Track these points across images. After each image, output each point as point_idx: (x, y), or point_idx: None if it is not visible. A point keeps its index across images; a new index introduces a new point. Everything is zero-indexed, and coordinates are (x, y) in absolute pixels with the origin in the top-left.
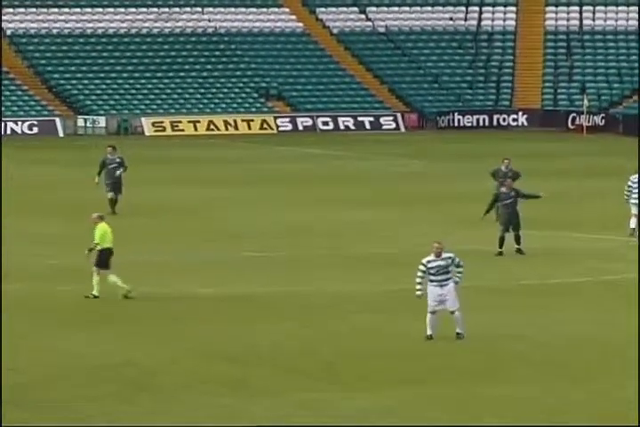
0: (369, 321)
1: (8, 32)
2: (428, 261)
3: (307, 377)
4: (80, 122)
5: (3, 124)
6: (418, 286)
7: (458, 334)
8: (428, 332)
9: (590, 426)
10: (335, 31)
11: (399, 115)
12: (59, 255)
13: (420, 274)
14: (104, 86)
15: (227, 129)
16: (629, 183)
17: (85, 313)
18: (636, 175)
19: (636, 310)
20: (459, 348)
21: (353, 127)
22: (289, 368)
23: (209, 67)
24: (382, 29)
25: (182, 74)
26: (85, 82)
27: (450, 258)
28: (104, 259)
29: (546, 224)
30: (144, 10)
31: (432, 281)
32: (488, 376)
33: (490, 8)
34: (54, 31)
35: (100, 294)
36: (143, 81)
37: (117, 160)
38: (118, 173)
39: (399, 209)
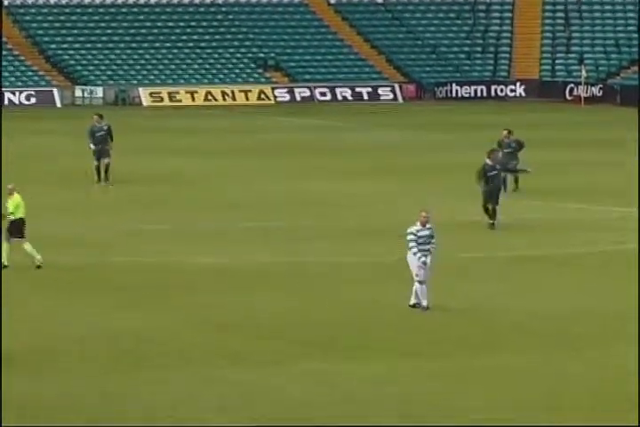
0: (367, 292)
1: (5, 2)
2: (417, 230)
3: (305, 347)
4: (78, 92)
5: (0, 94)
6: (418, 254)
7: (424, 306)
8: (422, 302)
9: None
10: (333, 1)
11: (397, 85)
12: (57, 224)
13: (413, 244)
14: (102, 57)
15: (224, 99)
16: None
17: (84, 282)
18: None
19: (632, 279)
20: (456, 318)
21: (350, 98)
22: (287, 339)
23: (207, 37)
24: (380, 0)
25: (180, 44)
26: (83, 52)
27: (432, 228)
28: (18, 228)
29: (543, 195)
30: None
31: (420, 250)
32: (485, 347)
33: None
34: (52, 1)
35: (8, 263)
36: (141, 51)
37: (105, 128)
38: (110, 145)
39: (397, 180)
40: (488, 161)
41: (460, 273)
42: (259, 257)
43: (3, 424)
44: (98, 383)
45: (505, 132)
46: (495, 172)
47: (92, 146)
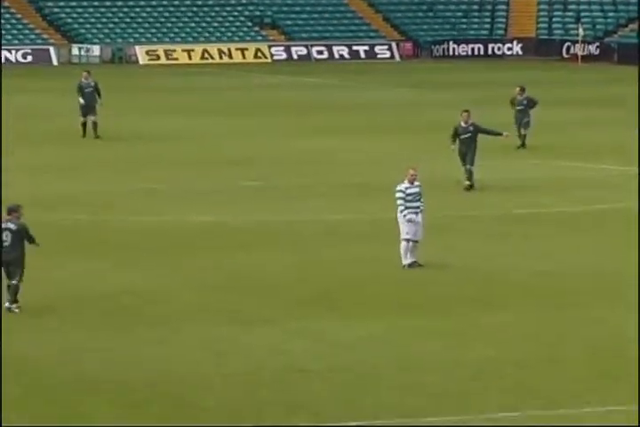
0: (364, 250)
1: None
2: (406, 188)
3: (303, 306)
4: (74, 50)
5: None
6: (406, 211)
7: (417, 263)
8: (408, 261)
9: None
10: None
11: (394, 44)
12: (54, 183)
13: (401, 202)
14: (98, 15)
15: (221, 58)
16: None
17: (80, 242)
18: None
19: (630, 238)
20: (453, 276)
21: (347, 56)
22: (284, 297)
23: None
24: None
25: (176, 2)
26: (80, 10)
27: (420, 186)
28: None
29: (540, 153)
30: None
31: (408, 208)
32: (484, 305)
33: None
34: None
35: None
36: (137, 9)
37: (92, 84)
38: (98, 102)
39: (394, 138)
40: (462, 123)
41: (456, 231)
42: (255, 215)
43: (3, 424)
44: (97, 342)
45: (517, 90)
46: (468, 134)
47: (81, 100)
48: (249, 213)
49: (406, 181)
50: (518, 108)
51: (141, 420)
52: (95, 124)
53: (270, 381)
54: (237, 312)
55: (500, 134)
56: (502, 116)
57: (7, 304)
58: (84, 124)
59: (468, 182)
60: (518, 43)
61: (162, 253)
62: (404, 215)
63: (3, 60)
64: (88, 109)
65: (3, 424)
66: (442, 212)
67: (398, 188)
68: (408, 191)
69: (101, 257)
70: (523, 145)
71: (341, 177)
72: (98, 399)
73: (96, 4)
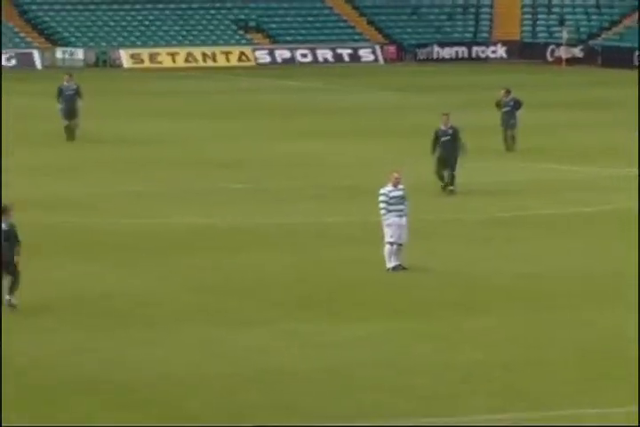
0: (352, 252)
1: None
2: (389, 191)
3: (291, 308)
4: (58, 54)
5: None
6: (388, 215)
7: (401, 266)
8: (392, 264)
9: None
10: None
11: (378, 47)
12: (43, 186)
13: (383, 205)
14: (82, 18)
15: (205, 61)
16: None
17: (74, 245)
18: None
19: (617, 240)
20: (439, 280)
21: (332, 59)
22: (276, 299)
23: None
24: None
25: (161, 6)
26: (64, 14)
27: (404, 189)
28: None
29: (525, 156)
30: None
31: (391, 211)
32: (472, 308)
33: None
34: None
35: None
36: (122, 13)
37: (74, 87)
38: (78, 103)
39: (378, 141)
40: (441, 126)
41: (441, 235)
42: (244, 218)
43: (3, 424)
44: (90, 342)
45: (503, 92)
46: (448, 137)
47: (59, 105)
48: (238, 215)
49: (390, 185)
50: (504, 109)
51: (136, 420)
52: (75, 127)
53: (258, 382)
54: (226, 314)
55: (463, 152)
56: (487, 119)
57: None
58: (68, 128)
59: (450, 187)
60: (502, 46)
61: (154, 255)
62: (386, 219)
63: None
64: (69, 113)
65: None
66: (426, 215)
67: (382, 191)
68: (391, 194)
69: (94, 259)
70: (513, 146)
71: (327, 180)
72: (93, 400)
73: (80, 7)
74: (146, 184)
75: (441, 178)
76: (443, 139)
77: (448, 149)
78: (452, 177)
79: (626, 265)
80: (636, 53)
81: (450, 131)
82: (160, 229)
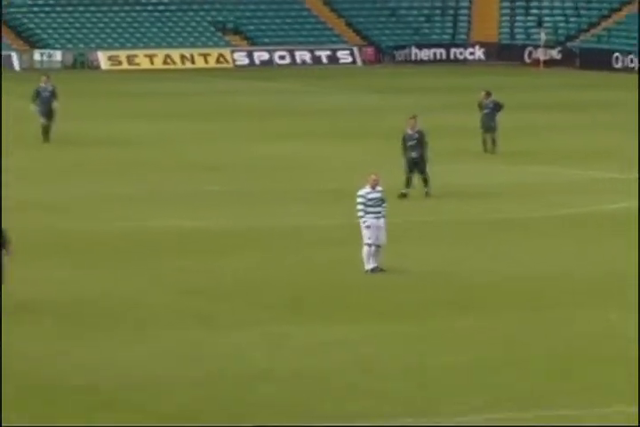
0: (331, 254)
1: None
2: (367, 193)
3: (272, 310)
4: (36, 56)
5: None
6: (365, 218)
7: (379, 268)
8: (371, 266)
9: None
10: None
11: (356, 49)
12: (18, 188)
13: (361, 207)
14: (60, 20)
15: (183, 63)
16: None
17: (48, 247)
18: None
19: (598, 241)
20: (418, 281)
21: (310, 61)
22: (254, 301)
23: (166, 0)
24: None
25: (139, 7)
26: (42, 15)
27: (382, 191)
28: None
29: (504, 158)
30: None
31: (369, 213)
32: (455, 309)
33: None
34: None
35: None
36: (99, 15)
37: (50, 89)
38: (54, 105)
39: (357, 143)
40: (408, 130)
41: (419, 237)
42: (222, 221)
43: (3, 424)
44: (67, 346)
45: (483, 94)
46: (415, 140)
47: (34, 106)
48: (216, 218)
49: (368, 186)
50: (484, 111)
51: (124, 421)
52: (49, 129)
53: (235, 385)
54: (204, 317)
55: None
56: (466, 120)
57: None
58: (45, 128)
59: (425, 189)
60: (480, 47)
61: (128, 258)
62: (364, 221)
63: None
64: (46, 114)
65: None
66: (406, 217)
67: (359, 193)
68: (369, 196)
69: (78, 262)
70: (493, 149)
71: (306, 182)
72: (67, 402)
73: (58, 9)
74: (126, 187)
75: (408, 183)
76: (410, 143)
77: (416, 153)
78: (425, 180)
79: (610, 266)
80: (615, 55)
81: (416, 135)
82: (143, 232)
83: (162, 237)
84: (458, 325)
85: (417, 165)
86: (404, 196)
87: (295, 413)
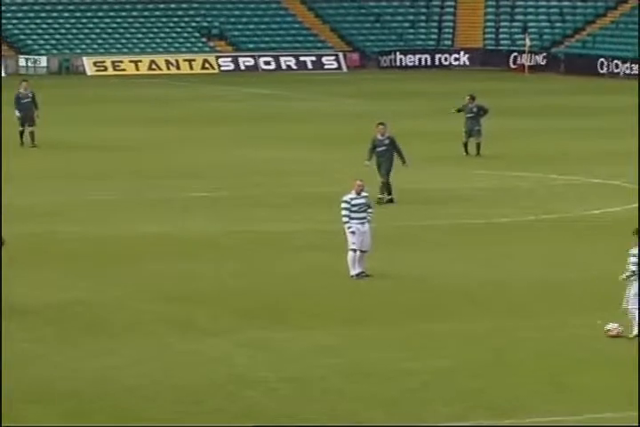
0: (312, 260)
1: None
2: (352, 199)
3: (251, 316)
4: (22, 62)
5: None
6: (350, 223)
7: (364, 273)
8: (356, 271)
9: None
10: None
11: (341, 54)
12: (7, 194)
13: (345, 213)
14: (45, 26)
15: (168, 69)
16: None
17: (29, 253)
18: None
19: (578, 247)
20: (402, 286)
21: (295, 67)
22: (233, 307)
23: (150, 6)
24: None
25: (124, 13)
26: (27, 21)
27: (367, 196)
28: None
29: (488, 163)
30: None
31: (353, 219)
32: (432, 314)
33: None
34: None
35: None
36: (85, 20)
37: (30, 95)
38: (35, 113)
39: (342, 148)
40: (378, 135)
41: (401, 242)
42: (204, 226)
43: (3, 424)
44: (45, 351)
45: (468, 98)
46: (384, 147)
47: (17, 112)
48: (198, 223)
49: (353, 192)
50: (468, 115)
51: None
52: (32, 135)
53: (218, 391)
54: (186, 322)
55: (403, 161)
56: (450, 125)
57: None
58: (22, 133)
59: (387, 196)
60: (465, 53)
61: (111, 264)
62: (349, 227)
63: None
64: (26, 120)
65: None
66: (389, 222)
67: (344, 198)
68: (354, 202)
69: (50, 268)
70: (477, 153)
71: (290, 187)
72: (45, 409)
73: (43, 15)
74: (108, 192)
75: (383, 190)
76: (379, 149)
77: (384, 159)
78: (388, 186)
79: (588, 271)
80: (600, 61)
81: (386, 141)
82: (124, 237)
83: (142, 243)
84: (438, 329)
85: (384, 170)
86: (391, 201)
87: (280, 418)
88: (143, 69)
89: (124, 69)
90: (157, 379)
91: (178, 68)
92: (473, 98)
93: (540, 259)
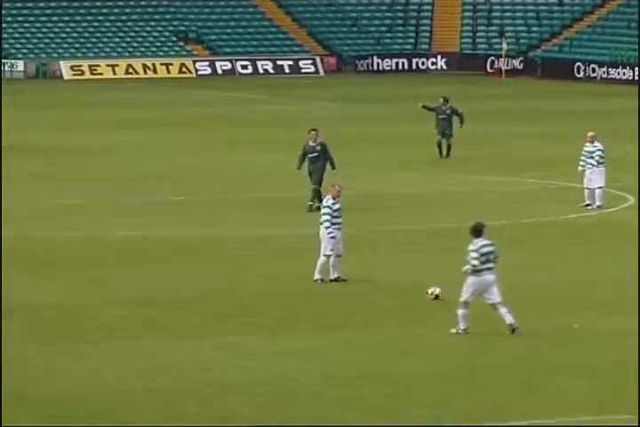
0: (287, 264)
1: None
2: (332, 204)
3: (225, 320)
4: None
5: None
6: (330, 229)
7: (341, 277)
8: (334, 276)
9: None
10: None
11: (318, 58)
12: None
13: (327, 218)
14: (22, 30)
15: (145, 73)
16: None
17: (9, 257)
18: None
19: (557, 251)
20: (376, 290)
21: (272, 71)
22: (206, 311)
23: (127, 10)
24: None
25: (101, 17)
26: (4, 26)
27: (339, 202)
28: None
29: (463, 167)
30: None
31: (334, 224)
32: (409, 318)
33: None
34: None
35: None
36: (61, 24)
37: None
38: None
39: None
40: (310, 142)
41: (376, 246)
42: (180, 230)
43: (3, 424)
44: (21, 356)
45: (442, 100)
46: (316, 153)
47: None
48: (174, 227)
49: (331, 198)
50: (441, 117)
51: None
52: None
53: (194, 395)
54: (162, 326)
55: (333, 167)
56: (426, 129)
57: None
58: None
59: (317, 203)
60: (442, 57)
61: (86, 268)
62: (330, 232)
63: None
64: None
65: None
66: (365, 226)
67: (325, 204)
68: (335, 207)
69: (23, 272)
70: (447, 155)
71: (266, 192)
72: (20, 413)
73: (20, 19)
74: (84, 196)
75: (314, 196)
76: (310, 155)
77: (316, 165)
78: (319, 193)
79: (567, 276)
80: (576, 65)
81: (318, 147)
82: (97, 241)
83: (117, 247)
84: (415, 333)
85: (314, 178)
86: (311, 208)
87: (258, 422)
88: (120, 73)
89: (101, 73)
90: (133, 383)
91: (155, 72)
92: (446, 100)
93: (515, 263)
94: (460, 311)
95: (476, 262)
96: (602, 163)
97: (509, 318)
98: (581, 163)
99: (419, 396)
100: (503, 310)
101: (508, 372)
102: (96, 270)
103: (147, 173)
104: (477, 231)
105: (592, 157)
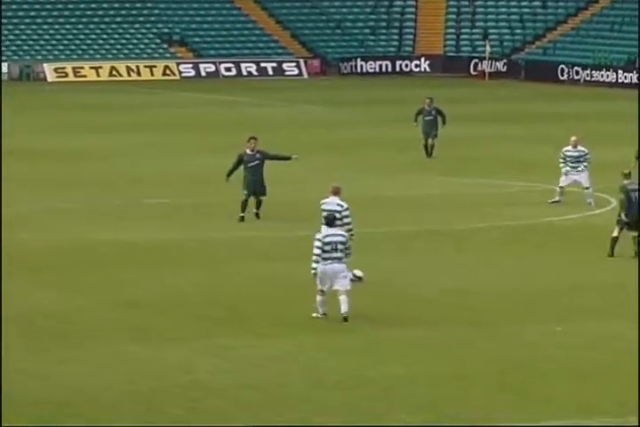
0: (273, 268)
1: None
2: (324, 237)
3: (212, 324)
4: None
5: None
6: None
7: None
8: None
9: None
10: None
11: (302, 61)
12: None
13: (318, 252)
14: (5, 32)
15: (129, 75)
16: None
17: None
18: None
19: (538, 255)
20: (364, 292)
21: (256, 73)
22: (194, 315)
23: (111, 12)
24: None
25: (84, 19)
26: None
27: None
28: None
29: (447, 169)
30: None
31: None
32: (394, 321)
33: None
34: None
35: None
36: (45, 26)
37: None
38: None
39: (302, 155)
40: (247, 150)
41: (362, 248)
42: (165, 233)
43: (3, 424)
44: (11, 361)
45: (427, 101)
46: (256, 161)
47: None
48: (158, 231)
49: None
50: (427, 118)
51: None
52: None
53: (179, 399)
54: (147, 330)
55: (288, 158)
56: (410, 132)
57: None
58: None
59: (256, 211)
60: (426, 60)
61: (74, 272)
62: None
63: None
64: None
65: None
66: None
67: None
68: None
69: (12, 276)
70: (430, 155)
71: None
72: (8, 417)
73: (3, 21)
74: (68, 200)
75: (243, 208)
76: (250, 164)
77: (256, 175)
78: (260, 203)
79: (547, 279)
80: (560, 67)
81: (257, 155)
82: (81, 245)
83: (104, 251)
84: (400, 336)
85: (256, 187)
86: (242, 220)
87: (234, 425)
88: (104, 76)
89: (84, 76)
90: (120, 387)
91: (139, 74)
92: (432, 100)
93: (500, 266)
94: (319, 298)
95: (318, 251)
96: (587, 166)
97: (344, 307)
98: (563, 166)
99: (404, 400)
100: (342, 298)
101: (494, 376)
102: (81, 275)
103: (131, 177)
104: (330, 221)
105: (579, 161)
